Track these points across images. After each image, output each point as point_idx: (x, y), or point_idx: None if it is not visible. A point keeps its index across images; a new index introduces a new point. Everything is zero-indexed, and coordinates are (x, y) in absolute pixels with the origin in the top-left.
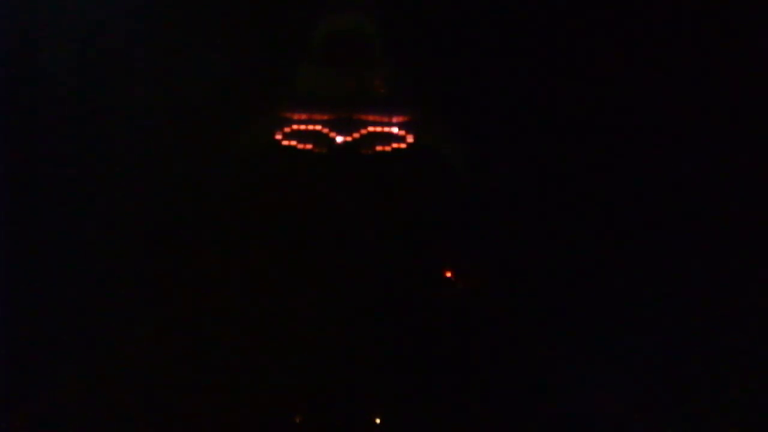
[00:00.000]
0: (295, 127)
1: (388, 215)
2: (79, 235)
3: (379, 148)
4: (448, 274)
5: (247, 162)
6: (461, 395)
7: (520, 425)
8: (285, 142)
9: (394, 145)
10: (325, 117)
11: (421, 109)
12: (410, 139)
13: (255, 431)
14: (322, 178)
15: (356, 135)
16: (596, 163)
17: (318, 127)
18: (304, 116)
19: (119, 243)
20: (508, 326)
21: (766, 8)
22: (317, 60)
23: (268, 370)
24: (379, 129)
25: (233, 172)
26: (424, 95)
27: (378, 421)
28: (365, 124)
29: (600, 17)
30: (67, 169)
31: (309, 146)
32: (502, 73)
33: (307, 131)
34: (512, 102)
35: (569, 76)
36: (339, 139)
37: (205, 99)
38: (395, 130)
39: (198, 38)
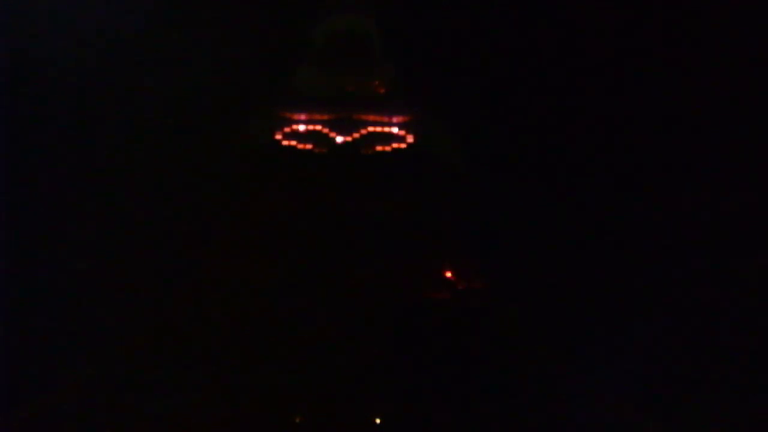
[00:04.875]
0: (295, 127)
1: (388, 214)
2: (79, 236)
3: (379, 148)
4: (448, 274)
5: (247, 161)
6: (461, 395)
7: (519, 424)
8: (285, 142)
9: (394, 145)
10: (325, 117)
11: (421, 109)
12: (410, 139)
13: (255, 431)
14: (322, 178)
15: (356, 135)
16: (595, 163)
17: (318, 127)
18: (304, 116)
19: (119, 244)
20: (507, 325)
21: (766, 8)
22: (318, 60)
23: (269, 370)
24: (379, 129)
25: (233, 172)
26: (424, 95)
27: (378, 421)
28: (365, 124)
29: (598, 19)
30: (67, 169)
31: (309, 146)
32: (502, 73)
33: (307, 131)
34: (511, 102)
35: (568, 77)
36: (339, 139)
37: (205, 99)
38: (395, 130)
39: (199, 39)
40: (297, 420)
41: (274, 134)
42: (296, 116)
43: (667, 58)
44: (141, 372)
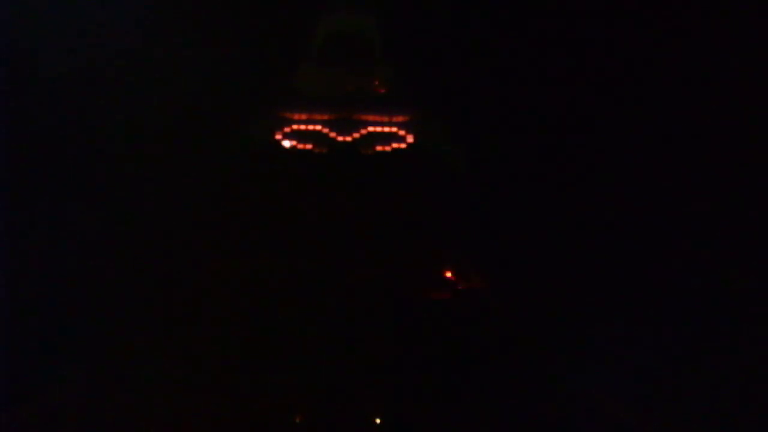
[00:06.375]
0: (295, 127)
1: (388, 214)
2: (79, 236)
3: (379, 148)
4: (448, 274)
5: (247, 161)
6: (460, 394)
7: (519, 424)
8: (285, 142)
9: (394, 145)
10: (325, 117)
11: (421, 109)
12: (410, 139)
13: (255, 431)
14: (323, 178)
15: (356, 135)
16: (595, 162)
17: (318, 127)
18: (304, 116)
19: (119, 244)
20: (507, 325)
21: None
22: (318, 60)
23: (270, 370)
24: (379, 129)
25: (234, 172)
26: (424, 95)
27: (378, 421)
28: (365, 124)
29: (597, 19)
30: (67, 170)
31: (309, 146)
32: (501, 74)
33: (307, 131)
34: (511, 102)
35: (567, 77)
36: (339, 139)
37: (205, 99)
38: (395, 130)
39: (199, 39)
40: (297, 420)
41: (274, 134)
42: (296, 116)
43: (668, 60)
44: (141, 372)
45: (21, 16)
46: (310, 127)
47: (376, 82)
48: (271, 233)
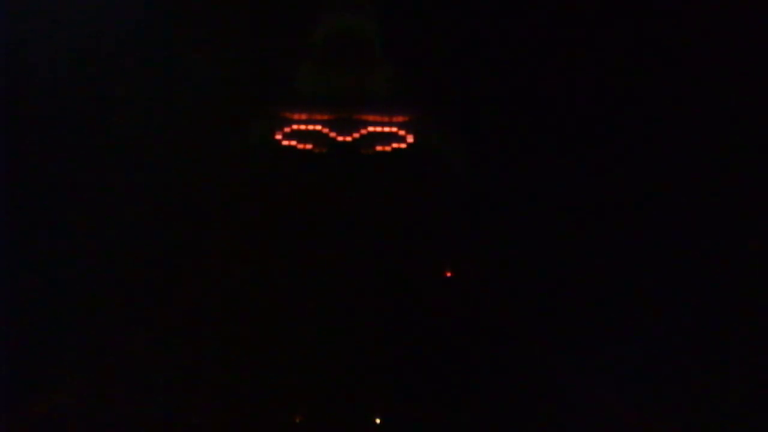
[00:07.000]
0: (295, 127)
1: (388, 214)
2: (79, 236)
3: (379, 148)
4: (448, 273)
5: (247, 161)
6: (461, 394)
7: (518, 424)
8: (285, 142)
9: (394, 145)
10: (325, 117)
11: (421, 109)
12: (410, 139)
13: (255, 431)
14: (323, 178)
15: (356, 135)
16: (594, 163)
17: (318, 127)
18: (304, 116)
19: (120, 244)
20: (506, 324)
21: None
22: (318, 60)
23: (269, 370)
24: (379, 129)
25: (233, 172)
26: (424, 95)
27: (378, 421)
28: (365, 124)
29: (597, 20)
30: (66, 171)
31: (309, 146)
32: (501, 74)
33: (307, 131)
34: (511, 102)
35: (567, 78)
36: (339, 139)
37: (205, 99)
38: (395, 130)
39: (199, 39)
40: (297, 420)
41: (274, 134)
42: (296, 116)
43: (669, 61)
44: (141, 372)
45: (22, 18)
46: (310, 127)
47: (376, 82)
48: (271, 233)
